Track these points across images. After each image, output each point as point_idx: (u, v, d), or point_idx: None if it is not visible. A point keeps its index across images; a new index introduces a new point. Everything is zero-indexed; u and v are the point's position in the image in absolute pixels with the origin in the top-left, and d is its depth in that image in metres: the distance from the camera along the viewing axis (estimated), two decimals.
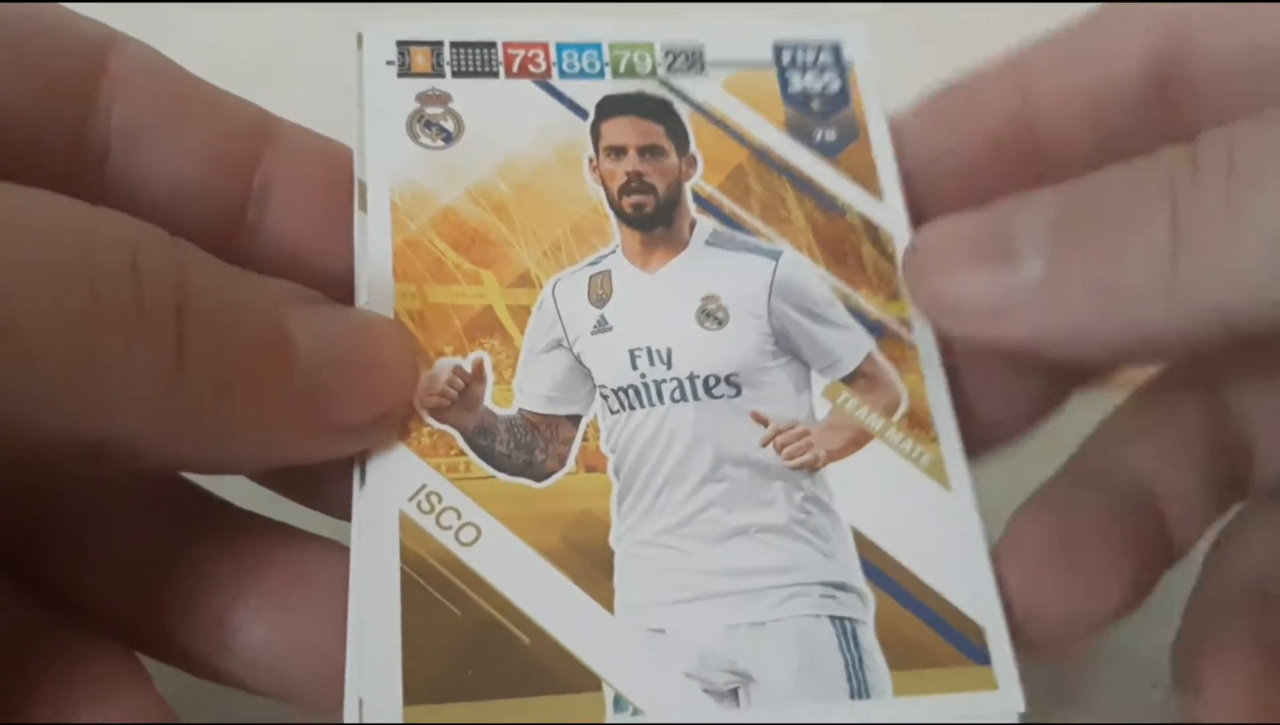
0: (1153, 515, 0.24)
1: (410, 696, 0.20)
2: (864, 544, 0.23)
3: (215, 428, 0.20)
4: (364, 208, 0.24)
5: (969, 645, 0.22)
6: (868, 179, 0.26)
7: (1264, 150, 0.20)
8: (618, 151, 0.25)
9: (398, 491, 0.22)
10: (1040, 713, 0.22)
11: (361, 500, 0.22)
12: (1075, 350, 0.22)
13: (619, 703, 0.21)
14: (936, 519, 0.23)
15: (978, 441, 0.24)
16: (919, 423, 0.24)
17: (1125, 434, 0.25)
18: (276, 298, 0.21)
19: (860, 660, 0.22)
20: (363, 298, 0.23)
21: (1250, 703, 0.22)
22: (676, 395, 0.23)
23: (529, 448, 0.23)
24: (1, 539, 0.22)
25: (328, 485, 0.23)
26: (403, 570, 0.21)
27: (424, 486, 0.22)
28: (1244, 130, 0.20)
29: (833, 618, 0.22)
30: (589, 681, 0.21)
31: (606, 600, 0.22)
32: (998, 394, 0.25)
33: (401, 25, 0.26)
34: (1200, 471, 0.25)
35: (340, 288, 0.23)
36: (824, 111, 0.26)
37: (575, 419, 0.23)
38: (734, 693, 0.21)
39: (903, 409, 0.24)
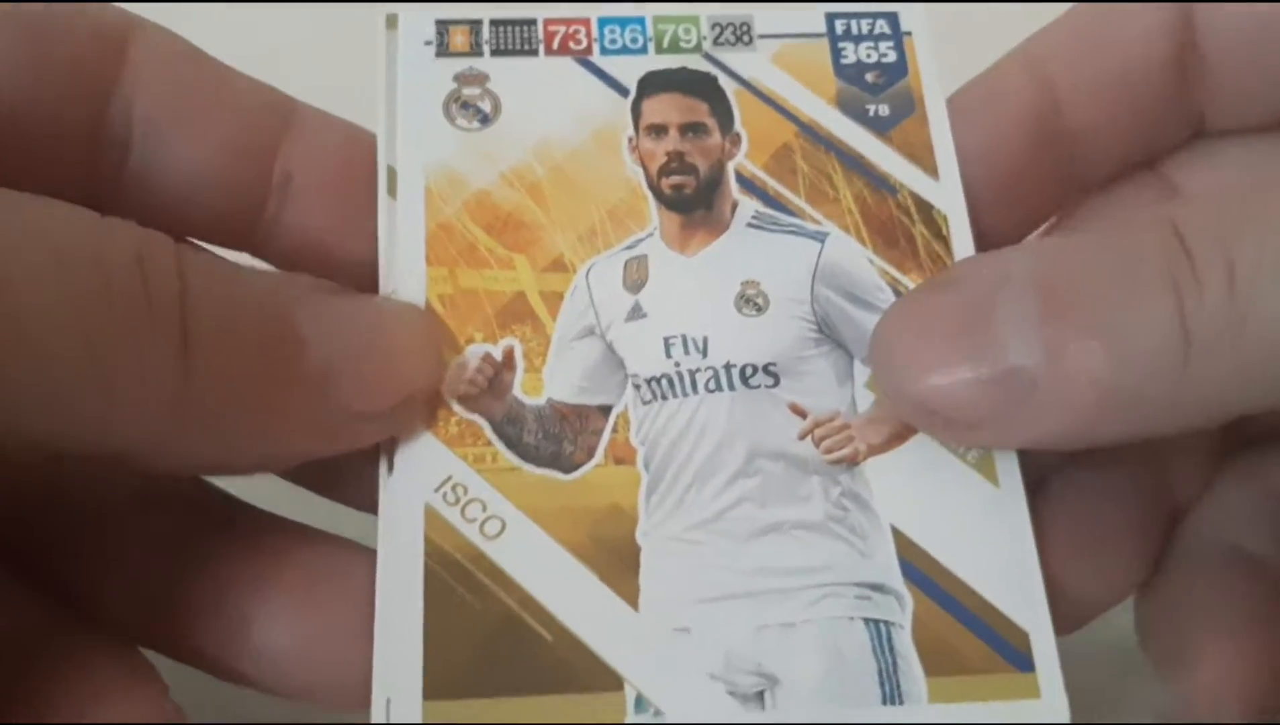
0: (1162, 479, 0.23)
1: (430, 692, 0.20)
2: (904, 543, 0.22)
3: (225, 427, 0.20)
4: (393, 194, 0.23)
5: (1012, 651, 0.21)
6: (922, 156, 0.25)
7: (1260, 248, 0.19)
8: (658, 130, 0.24)
9: (424, 482, 0.22)
10: None
11: (387, 492, 0.22)
12: (1081, 445, 0.21)
13: (640, 703, 0.20)
14: (983, 517, 0.22)
15: (1067, 618, 0.22)
16: None
17: None
18: (283, 290, 0.21)
19: (895, 665, 0.21)
20: (389, 285, 0.23)
21: (1245, 684, 0.21)
22: (711, 385, 0.22)
23: (557, 438, 0.22)
24: (14, 537, 0.23)
25: (350, 476, 0.22)
26: (426, 564, 0.21)
27: (450, 477, 0.22)
28: (1228, 217, 0.19)
29: (867, 620, 0.21)
30: (610, 681, 0.20)
31: (631, 597, 0.21)
32: (1087, 569, 0.23)
33: (433, 8, 0.25)
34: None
35: (364, 275, 0.23)
36: (878, 85, 0.25)
37: (606, 409, 0.22)
38: (759, 695, 0.21)
39: None
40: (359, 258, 0.23)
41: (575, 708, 0.20)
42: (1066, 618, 0.21)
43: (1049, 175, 0.25)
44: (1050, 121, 0.25)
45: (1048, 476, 0.23)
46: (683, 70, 0.25)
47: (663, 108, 0.25)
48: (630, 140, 0.24)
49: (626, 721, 0.20)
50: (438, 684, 0.20)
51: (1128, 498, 0.23)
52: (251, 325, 0.20)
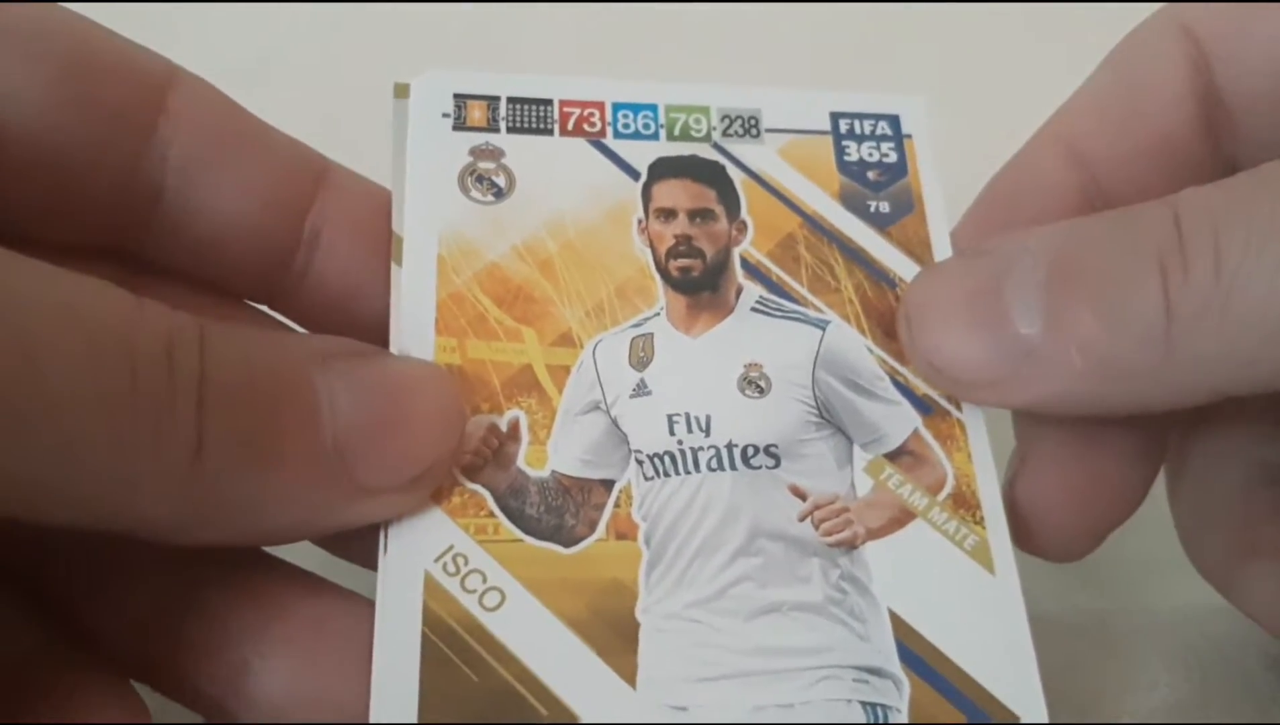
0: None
1: None
2: (901, 627, 0.22)
3: (238, 506, 0.20)
4: (399, 262, 0.24)
5: None
6: (921, 252, 0.25)
7: (1248, 233, 0.20)
8: (668, 214, 0.25)
9: (425, 551, 0.21)
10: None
11: (387, 558, 0.21)
12: (1074, 413, 0.22)
13: None
14: (979, 604, 0.22)
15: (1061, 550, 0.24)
16: (965, 503, 0.23)
17: None
18: (304, 359, 0.21)
19: None
20: (397, 351, 0.23)
21: None
22: (714, 464, 0.23)
23: (560, 512, 0.22)
24: (24, 558, 0.22)
25: (358, 536, 0.22)
26: (424, 633, 0.21)
27: (451, 547, 0.22)
28: (1224, 205, 0.20)
29: (865, 703, 0.21)
30: None
31: (629, 674, 0.21)
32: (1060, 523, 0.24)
33: (451, 75, 0.26)
34: None
35: (386, 333, 0.23)
36: (880, 182, 0.26)
37: (609, 484, 0.23)
38: None
39: (948, 489, 0.23)
40: (381, 316, 0.23)
41: None
42: (1052, 550, 0.23)
43: None
44: (1094, 198, 0.26)
45: None
46: (693, 158, 0.26)
47: (672, 193, 0.25)
48: (640, 222, 0.25)
49: None
50: None
51: (1121, 433, 0.24)
52: (266, 400, 0.20)
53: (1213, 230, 0.20)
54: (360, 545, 0.22)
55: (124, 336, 0.18)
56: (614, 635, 0.21)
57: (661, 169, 0.25)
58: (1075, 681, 0.21)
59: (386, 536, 0.22)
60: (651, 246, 0.25)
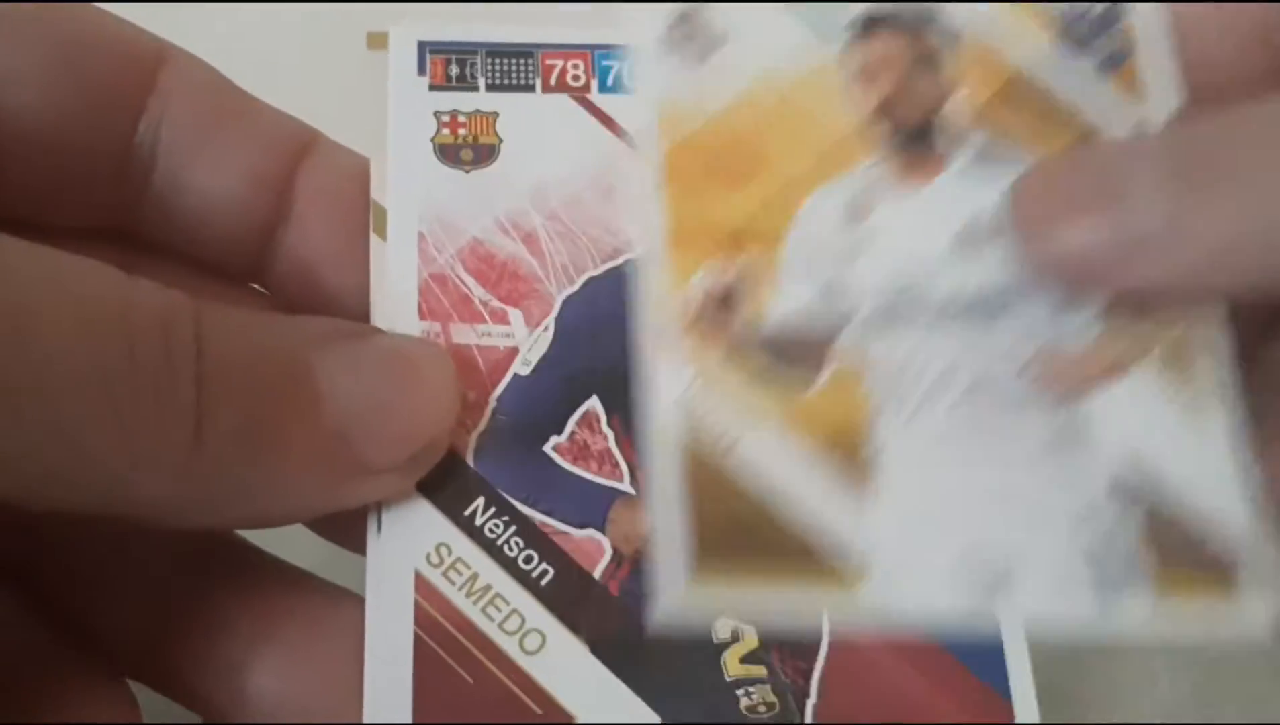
0: None
1: None
2: (1123, 472, 0.21)
3: (238, 486, 0.19)
4: (382, 234, 0.23)
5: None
6: (1142, 99, 0.23)
7: None
8: (873, 72, 0.23)
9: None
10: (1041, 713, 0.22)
11: (379, 552, 0.21)
12: (1193, 299, 0.22)
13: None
14: (1198, 447, 0.22)
15: None
16: (1181, 356, 0.22)
17: None
18: (302, 340, 0.21)
19: (1121, 572, 0.20)
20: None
21: None
22: (933, 318, 0.22)
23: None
24: (24, 556, 0.23)
25: (354, 523, 0.22)
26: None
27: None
28: None
29: (1097, 529, 0.21)
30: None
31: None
32: None
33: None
34: None
35: (356, 307, 0.23)
36: (1098, 26, 0.24)
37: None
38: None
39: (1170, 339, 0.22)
40: (359, 288, 0.23)
41: None
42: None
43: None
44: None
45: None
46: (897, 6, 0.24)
47: (879, 46, 0.23)
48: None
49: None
50: None
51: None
52: (265, 380, 0.20)
53: None
54: (360, 533, 0.22)
55: (118, 314, 0.18)
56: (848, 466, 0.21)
57: (868, 22, 0.24)
58: (1075, 681, 0.21)
59: (380, 525, 0.21)
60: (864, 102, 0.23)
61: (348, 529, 0.23)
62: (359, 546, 0.23)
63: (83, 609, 0.23)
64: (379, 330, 0.22)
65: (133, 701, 0.22)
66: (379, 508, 0.22)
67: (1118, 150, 0.22)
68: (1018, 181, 0.22)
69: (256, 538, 0.24)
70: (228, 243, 0.24)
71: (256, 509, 0.20)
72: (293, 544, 0.24)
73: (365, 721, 0.20)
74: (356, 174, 0.24)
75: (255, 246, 0.24)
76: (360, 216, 0.23)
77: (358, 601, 0.22)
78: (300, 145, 0.24)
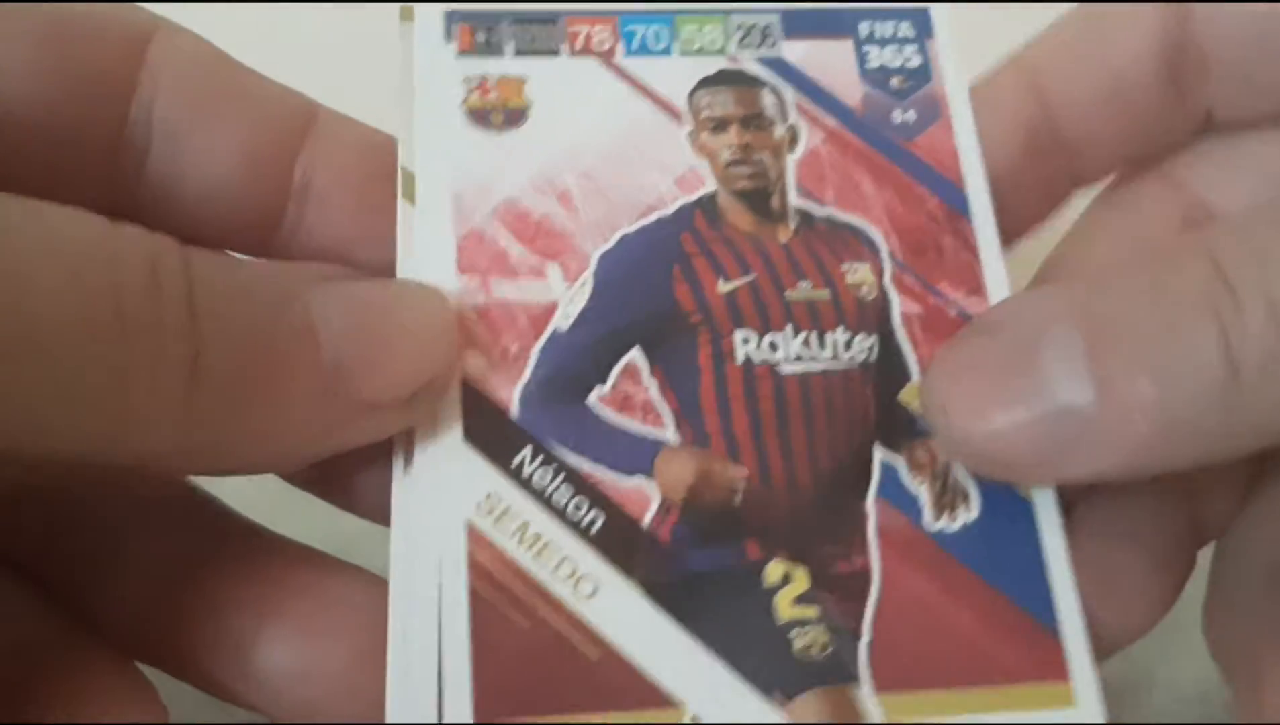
0: (1186, 509, 0.23)
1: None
2: None
3: (235, 425, 0.19)
4: (411, 199, 0.23)
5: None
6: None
7: None
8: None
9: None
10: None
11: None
12: (1126, 480, 0.22)
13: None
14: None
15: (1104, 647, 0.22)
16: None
17: None
18: (294, 281, 0.20)
19: None
20: None
21: None
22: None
23: None
24: (28, 543, 0.22)
25: (363, 484, 0.22)
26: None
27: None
28: (1260, 243, 0.20)
29: None
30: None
31: None
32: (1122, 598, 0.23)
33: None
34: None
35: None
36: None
37: None
38: None
39: None
40: (380, 265, 0.23)
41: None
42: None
43: (1044, 180, 0.26)
44: (1043, 132, 0.25)
45: (1074, 503, 0.23)
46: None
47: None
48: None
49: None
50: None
51: (1153, 529, 0.23)
52: (259, 318, 0.19)
53: (1258, 271, 0.19)
54: (368, 493, 0.22)
55: (105, 258, 0.18)
56: None
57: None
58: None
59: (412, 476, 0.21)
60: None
61: (339, 482, 0.23)
62: (348, 503, 0.23)
63: (89, 596, 0.22)
64: (375, 277, 0.22)
65: (150, 688, 0.22)
66: (409, 455, 0.21)
67: (1026, 323, 0.21)
68: (931, 366, 0.22)
69: (261, 519, 0.24)
70: (231, 220, 0.23)
71: (259, 450, 0.20)
72: (301, 529, 0.24)
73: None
74: (364, 145, 0.23)
75: (262, 224, 0.23)
76: (378, 187, 0.23)
77: (366, 575, 0.22)
78: (302, 118, 0.23)
